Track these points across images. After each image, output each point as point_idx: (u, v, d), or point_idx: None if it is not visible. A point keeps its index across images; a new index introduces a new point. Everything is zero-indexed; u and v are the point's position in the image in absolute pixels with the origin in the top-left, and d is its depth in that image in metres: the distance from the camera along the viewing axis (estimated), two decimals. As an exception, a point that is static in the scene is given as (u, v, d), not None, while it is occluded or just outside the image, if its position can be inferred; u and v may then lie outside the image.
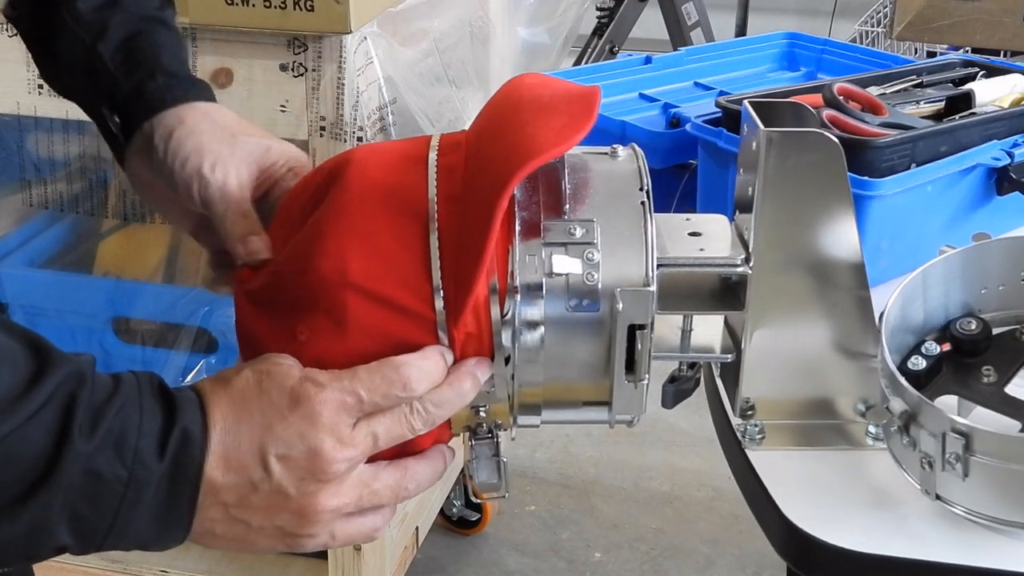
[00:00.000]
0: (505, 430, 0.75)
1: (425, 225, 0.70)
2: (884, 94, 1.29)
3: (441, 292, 0.69)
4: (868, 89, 1.27)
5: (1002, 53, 2.36)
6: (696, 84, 1.51)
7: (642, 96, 1.44)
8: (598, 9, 3.56)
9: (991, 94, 1.30)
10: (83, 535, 0.63)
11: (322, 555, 1.73)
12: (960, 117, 1.25)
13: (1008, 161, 1.17)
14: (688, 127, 1.25)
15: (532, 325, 0.70)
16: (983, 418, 0.84)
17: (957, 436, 0.77)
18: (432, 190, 0.71)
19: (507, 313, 0.70)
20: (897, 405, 0.81)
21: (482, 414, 0.73)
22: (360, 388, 0.67)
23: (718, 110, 1.25)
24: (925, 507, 0.83)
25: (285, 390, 0.66)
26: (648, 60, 1.53)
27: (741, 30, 3.81)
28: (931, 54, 2.69)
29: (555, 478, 2.40)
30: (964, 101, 1.29)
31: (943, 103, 1.30)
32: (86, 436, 0.61)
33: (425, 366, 0.68)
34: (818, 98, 1.21)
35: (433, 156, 0.73)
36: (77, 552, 0.64)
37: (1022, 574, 0.79)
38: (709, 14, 3.66)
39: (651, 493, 2.35)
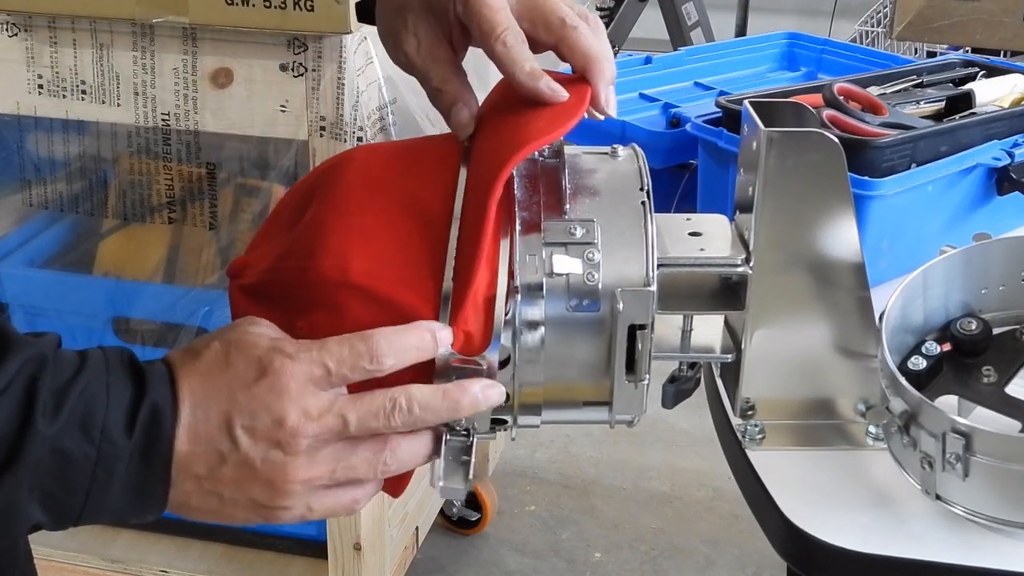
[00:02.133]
0: (506, 429, 0.75)
1: (427, 224, 0.70)
2: (884, 94, 1.29)
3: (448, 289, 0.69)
4: (868, 89, 1.27)
5: (1002, 53, 2.36)
6: (696, 84, 1.51)
7: (642, 96, 1.44)
8: (598, 9, 3.56)
9: (991, 94, 1.30)
10: (56, 513, 0.63)
11: (322, 554, 1.73)
12: (960, 117, 1.25)
13: (1008, 161, 1.17)
14: (688, 127, 1.25)
15: (533, 325, 0.70)
16: (983, 418, 0.84)
17: (957, 436, 0.77)
18: (459, 201, 0.71)
19: (508, 313, 0.70)
20: (897, 405, 0.81)
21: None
22: (328, 360, 0.65)
23: (718, 110, 1.25)
24: (925, 507, 0.83)
25: (252, 361, 0.65)
26: (648, 60, 1.53)
27: (741, 30, 3.81)
28: (931, 54, 2.69)
29: (555, 478, 2.40)
30: (964, 101, 1.29)
31: (943, 103, 1.30)
32: (50, 418, 0.61)
33: (399, 340, 0.67)
34: (818, 98, 1.21)
35: (464, 173, 0.74)
36: (53, 529, 0.64)
37: (1022, 574, 0.79)
38: (709, 14, 3.66)
39: (651, 493, 2.35)
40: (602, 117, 0.76)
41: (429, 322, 0.68)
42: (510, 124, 0.74)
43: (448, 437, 0.70)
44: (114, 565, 1.81)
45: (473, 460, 0.71)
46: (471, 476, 0.70)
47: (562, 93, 0.73)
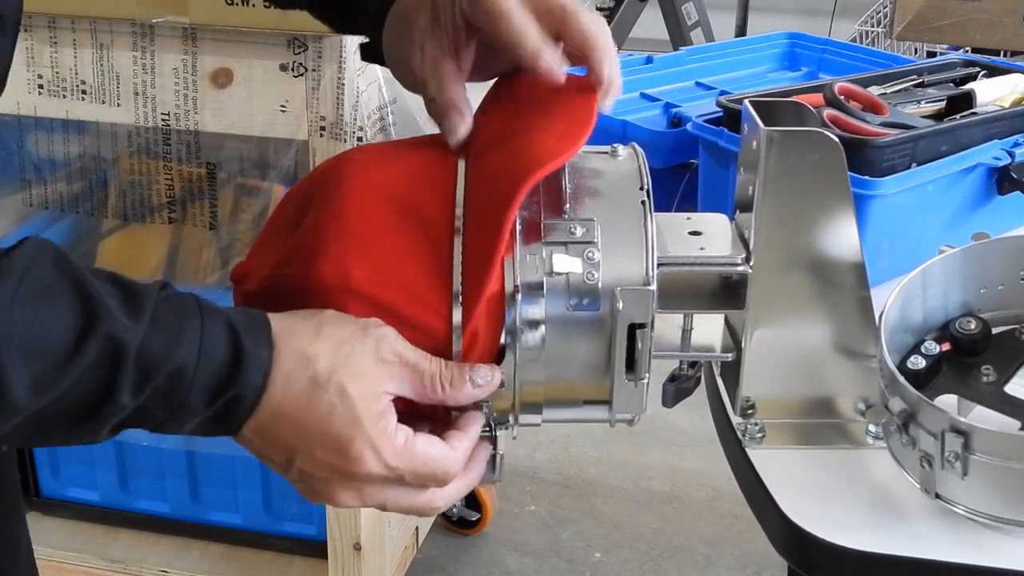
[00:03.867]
0: (507, 428, 0.75)
1: (429, 232, 0.70)
2: (885, 94, 1.29)
3: (459, 300, 0.69)
4: (869, 89, 1.28)
5: (1002, 53, 2.36)
6: (697, 84, 1.51)
7: (643, 96, 1.44)
8: (598, 9, 3.56)
9: (992, 94, 1.30)
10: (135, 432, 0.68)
11: (322, 554, 1.73)
12: (961, 117, 1.25)
13: (1009, 161, 1.17)
14: (689, 127, 1.25)
15: (533, 324, 0.70)
16: (983, 417, 0.84)
17: (956, 435, 0.77)
18: (460, 205, 0.71)
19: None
20: (896, 404, 0.81)
21: (485, 410, 0.73)
22: (407, 473, 0.68)
23: (719, 110, 1.25)
24: (925, 506, 0.83)
25: (346, 438, 0.66)
26: (649, 60, 1.53)
27: (741, 30, 3.81)
28: (931, 54, 2.69)
29: (555, 478, 2.40)
30: (965, 101, 1.29)
31: (944, 103, 1.30)
32: (132, 393, 0.63)
33: (461, 456, 0.70)
34: (819, 98, 1.21)
35: (462, 167, 0.73)
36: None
37: (1022, 573, 0.79)
38: (709, 14, 3.66)
39: (651, 493, 2.35)
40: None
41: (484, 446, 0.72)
42: (517, 136, 0.73)
43: None
44: (114, 565, 1.82)
45: (499, 453, 0.74)
46: (500, 464, 0.74)
47: (559, 73, 0.74)
